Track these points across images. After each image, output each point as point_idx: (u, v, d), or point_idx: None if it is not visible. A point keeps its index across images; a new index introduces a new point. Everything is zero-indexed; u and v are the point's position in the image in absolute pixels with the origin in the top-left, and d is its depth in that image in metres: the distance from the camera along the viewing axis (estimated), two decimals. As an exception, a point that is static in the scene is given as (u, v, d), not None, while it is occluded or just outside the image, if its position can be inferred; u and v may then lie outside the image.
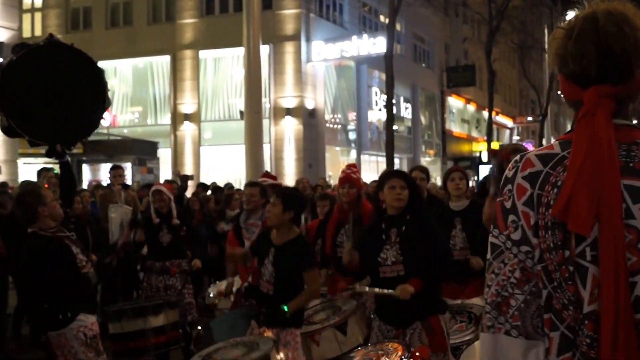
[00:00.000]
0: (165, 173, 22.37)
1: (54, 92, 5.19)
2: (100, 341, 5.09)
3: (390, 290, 4.48)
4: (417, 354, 3.86)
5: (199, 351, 5.42)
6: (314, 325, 5.30)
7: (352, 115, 29.97)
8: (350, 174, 6.25)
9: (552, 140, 2.27)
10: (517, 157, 1.93)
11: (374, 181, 9.86)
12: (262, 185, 7.09)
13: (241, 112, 24.49)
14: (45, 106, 5.18)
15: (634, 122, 1.91)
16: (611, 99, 1.81)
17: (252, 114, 21.94)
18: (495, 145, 37.37)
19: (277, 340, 4.68)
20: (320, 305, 5.64)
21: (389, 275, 4.67)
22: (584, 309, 1.74)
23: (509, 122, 47.26)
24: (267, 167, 23.53)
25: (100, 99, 5.08)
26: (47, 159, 21.02)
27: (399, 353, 3.84)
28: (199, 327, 6.62)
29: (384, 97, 25.74)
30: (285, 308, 4.91)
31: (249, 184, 7.20)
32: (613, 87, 1.81)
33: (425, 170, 7.27)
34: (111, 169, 9.84)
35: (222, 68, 27.10)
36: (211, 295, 7.55)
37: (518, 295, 1.85)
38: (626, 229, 1.71)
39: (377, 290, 4.59)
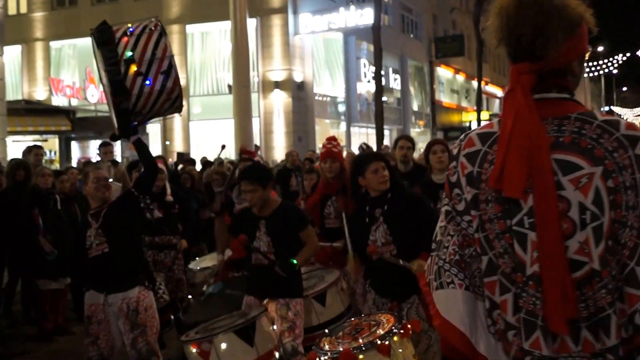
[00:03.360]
0: (154, 149, 22.32)
1: (103, 77, 5.06)
2: (94, 325, 5.16)
3: (409, 264, 4.41)
4: (409, 326, 3.87)
5: (193, 320, 5.52)
6: None
7: (341, 88, 29.88)
8: (331, 149, 6.33)
9: None
10: (462, 136, 2.10)
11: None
12: (256, 160, 7.11)
13: (229, 87, 24.31)
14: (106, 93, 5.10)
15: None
16: (530, 76, 1.94)
17: (241, 88, 21.85)
18: (485, 115, 37.39)
19: (266, 309, 4.65)
20: (305, 275, 5.66)
21: (382, 257, 4.67)
22: (527, 271, 1.90)
23: (498, 92, 47.20)
24: (257, 140, 23.50)
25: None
26: (35, 137, 21.03)
27: (390, 324, 3.86)
28: (190, 297, 6.56)
29: (373, 68, 25.70)
30: (294, 261, 4.98)
31: (244, 159, 7.15)
32: (532, 64, 1.94)
33: (411, 140, 7.27)
34: (100, 146, 9.76)
35: (210, 42, 26.99)
36: (194, 269, 7.51)
37: (465, 257, 2.08)
38: (558, 200, 1.86)
39: (400, 262, 4.47)
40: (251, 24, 23.93)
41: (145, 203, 5.63)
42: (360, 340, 3.75)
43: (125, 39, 4.72)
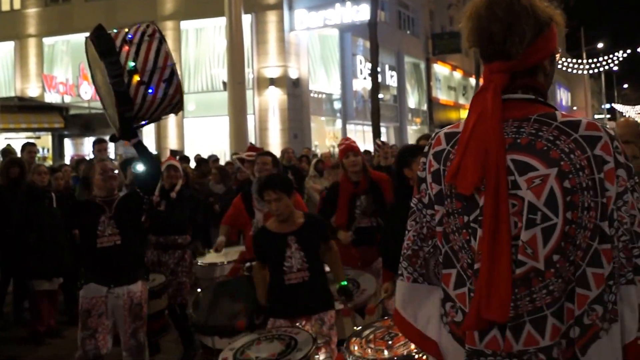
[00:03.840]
0: (148, 146, 22.13)
1: (99, 81, 5.04)
2: (94, 318, 5.25)
3: None
4: None
5: (203, 317, 5.50)
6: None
7: (336, 84, 29.70)
8: (351, 143, 6.30)
9: None
10: (433, 135, 2.20)
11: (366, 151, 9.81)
12: (273, 154, 7.01)
13: (224, 83, 24.21)
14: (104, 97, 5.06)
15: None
16: (502, 75, 2.00)
17: (236, 85, 21.71)
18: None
19: (315, 338, 4.39)
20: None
21: None
22: (475, 265, 1.97)
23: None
24: (252, 138, 23.35)
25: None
26: (28, 134, 20.84)
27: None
28: (199, 290, 6.36)
29: (369, 65, 25.48)
30: (344, 283, 4.92)
31: (261, 153, 6.97)
32: (502, 64, 2.00)
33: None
34: (95, 143, 9.71)
35: (204, 39, 26.78)
36: (199, 263, 7.33)
37: (425, 248, 2.18)
38: (514, 199, 1.91)
39: None
40: (246, 20, 23.72)
41: (147, 203, 5.61)
42: (396, 351, 3.57)
43: (127, 47, 4.70)
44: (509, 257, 1.88)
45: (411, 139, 32.53)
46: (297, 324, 4.71)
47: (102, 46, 4.69)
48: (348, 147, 6.19)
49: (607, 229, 1.90)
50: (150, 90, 4.71)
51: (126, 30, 4.84)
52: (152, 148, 21.45)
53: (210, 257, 7.43)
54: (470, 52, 39.94)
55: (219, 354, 4.35)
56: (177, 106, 4.96)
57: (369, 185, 6.06)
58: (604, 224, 1.90)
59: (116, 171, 5.61)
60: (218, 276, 6.96)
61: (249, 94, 23.27)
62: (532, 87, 2.04)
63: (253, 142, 23.13)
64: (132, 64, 4.65)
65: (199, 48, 26.73)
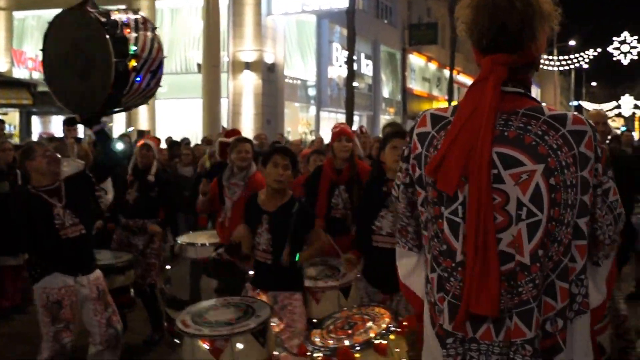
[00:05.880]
0: (119, 127, 21.78)
1: (78, 60, 4.91)
2: (67, 309, 4.97)
3: None
4: (405, 323, 3.74)
5: (177, 291, 5.49)
6: (316, 281, 5.16)
7: (312, 71, 29.54)
8: (345, 128, 6.15)
9: None
10: (421, 113, 2.21)
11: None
12: (251, 140, 6.84)
13: (199, 65, 23.95)
14: (71, 74, 4.94)
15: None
16: (504, 67, 2.01)
17: (210, 68, 21.52)
18: (455, 104, 37.28)
19: (272, 307, 4.41)
20: (318, 262, 5.48)
21: (382, 246, 4.51)
22: (456, 258, 2.00)
23: (470, 82, 47.09)
24: (224, 122, 23.11)
25: (106, 72, 4.75)
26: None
27: (387, 320, 3.77)
28: (168, 267, 6.44)
29: (345, 53, 25.38)
30: (297, 257, 4.75)
31: (242, 139, 6.75)
32: (507, 57, 2.02)
33: (399, 127, 7.15)
34: (64, 122, 9.43)
35: (180, 19, 26.34)
36: (180, 241, 7.06)
37: (413, 223, 2.29)
38: (496, 193, 1.93)
39: None
40: (223, 2, 23.46)
41: (98, 189, 5.42)
42: (357, 338, 3.65)
43: (128, 30, 4.70)
44: (497, 253, 1.92)
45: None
46: (259, 296, 4.77)
47: (109, 22, 4.65)
48: (343, 131, 6.04)
49: (583, 226, 1.97)
50: (138, 79, 4.71)
51: (117, 12, 4.82)
52: (122, 129, 21.08)
53: (190, 237, 7.33)
54: (446, 44, 40.04)
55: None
56: (148, 99, 5.00)
57: (351, 177, 5.92)
58: (580, 220, 1.96)
59: (59, 155, 5.31)
60: (195, 257, 6.77)
61: (223, 77, 23.07)
62: (521, 81, 2.07)
63: (225, 126, 22.90)
64: (134, 48, 4.66)
65: (174, 29, 26.29)
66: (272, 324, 4.52)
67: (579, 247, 1.98)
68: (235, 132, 8.26)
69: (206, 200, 6.53)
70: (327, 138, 12.66)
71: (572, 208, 1.93)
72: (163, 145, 14.62)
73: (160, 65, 4.85)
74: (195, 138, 20.02)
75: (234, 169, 6.32)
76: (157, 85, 4.95)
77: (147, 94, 4.94)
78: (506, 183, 1.92)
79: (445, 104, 38.48)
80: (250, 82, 24.84)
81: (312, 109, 30.06)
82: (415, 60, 40.92)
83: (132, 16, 4.85)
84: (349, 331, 3.77)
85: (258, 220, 4.77)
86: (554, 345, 1.97)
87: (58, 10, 5.16)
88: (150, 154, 7.02)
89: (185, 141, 15.71)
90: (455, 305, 2.01)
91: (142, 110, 25.12)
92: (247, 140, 6.74)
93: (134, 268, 6.48)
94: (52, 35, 5.03)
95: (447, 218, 2.01)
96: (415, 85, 41.30)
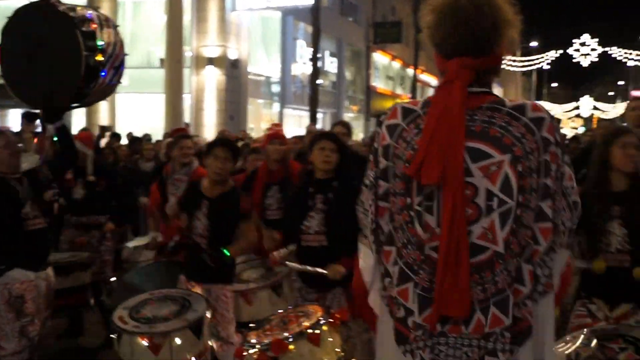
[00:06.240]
0: (78, 121, 21.40)
1: (43, 55, 4.84)
2: (30, 302, 4.88)
3: (321, 270, 4.42)
4: (337, 315, 3.87)
5: (117, 303, 5.30)
6: (248, 284, 5.25)
7: (276, 68, 29.37)
8: (279, 131, 6.44)
9: None
10: (392, 105, 2.27)
11: (297, 137, 9.85)
12: (192, 137, 7.11)
13: (161, 60, 23.65)
14: (35, 69, 4.87)
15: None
16: (470, 70, 2.07)
17: (173, 63, 21.27)
18: (425, 99, 37.46)
19: (207, 300, 4.54)
20: (248, 264, 5.59)
21: (311, 244, 4.59)
22: (425, 250, 2.04)
23: (433, 80, 47.34)
24: (187, 118, 22.89)
25: (76, 66, 4.70)
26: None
27: (319, 314, 3.86)
28: (113, 279, 6.52)
29: (310, 50, 25.27)
30: (227, 252, 4.89)
31: (184, 136, 6.97)
32: (473, 60, 2.07)
33: (347, 126, 7.28)
34: (23, 116, 9.25)
35: (142, 13, 25.93)
36: (130, 246, 7.34)
37: (381, 224, 2.24)
38: (465, 186, 1.99)
39: (308, 268, 4.50)
40: (187, -4, 23.16)
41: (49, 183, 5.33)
42: (290, 331, 3.73)
43: (94, 25, 4.71)
44: (468, 251, 1.97)
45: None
46: (193, 288, 4.90)
47: (77, 16, 4.64)
48: (275, 134, 6.30)
49: (546, 208, 2.05)
50: (103, 74, 4.74)
51: (80, 8, 4.81)
52: (81, 124, 20.71)
53: (139, 241, 7.43)
54: (410, 42, 40.19)
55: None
56: (107, 95, 5.07)
57: (283, 177, 6.13)
58: (544, 203, 2.04)
59: (21, 145, 5.24)
60: (144, 260, 6.91)
61: (186, 72, 22.81)
62: (486, 83, 2.14)
63: (188, 122, 22.66)
64: (100, 42, 4.68)
65: (136, 22, 25.89)
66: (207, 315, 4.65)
67: (542, 229, 2.05)
68: (179, 130, 8.50)
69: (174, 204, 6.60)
70: (288, 136, 12.60)
71: (536, 192, 2.01)
72: (124, 141, 14.47)
73: (122, 62, 4.89)
74: (157, 134, 19.77)
75: (176, 166, 6.49)
76: (118, 82, 5.01)
77: (107, 90, 4.95)
78: (475, 176, 1.98)
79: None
80: (213, 77, 24.60)
81: (276, 106, 29.93)
82: (380, 58, 41.00)
83: (94, 12, 4.86)
84: (284, 327, 3.86)
85: (197, 205, 4.97)
86: (524, 329, 2.03)
87: (16, 2, 5.03)
88: (82, 153, 6.86)
89: (147, 137, 15.50)
90: (425, 298, 2.03)
91: (103, 105, 24.73)
92: (188, 136, 7.03)
93: (91, 266, 6.43)
94: (12, 29, 4.90)
95: (416, 210, 2.06)
96: (379, 84, 41.37)
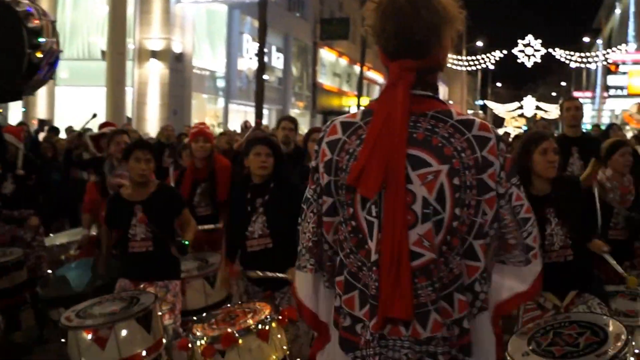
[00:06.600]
0: (15, 114, 20.69)
1: None
2: None
3: (282, 275, 4.48)
4: (286, 313, 3.94)
5: (51, 294, 5.48)
6: (182, 274, 5.29)
7: (221, 62, 29.11)
8: (204, 129, 6.51)
9: None
10: (328, 122, 2.25)
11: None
12: (127, 132, 6.99)
13: (103, 52, 23.05)
14: None
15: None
16: (412, 72, 2.06)
17: (115, 55, 20.75)
18: (365, 100, 37.65)
19: (157, 296, 4.56)
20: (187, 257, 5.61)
21: (257, 249, 4.65)
22: (372, 257, 2.04)
23: (379, 78, 47.61)
24: (129, 112, 22.41)
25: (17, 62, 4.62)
26: None
27: (267, 312, 3.90)
28: (49, 271, 6.35)
29: (256, 45, 25.08)
30: (186, 242, 4.97)
31: (118, 132, 6.91)
32: (414, 62, 2.06)
33: (294, 121, 7.37)
34: None
35: (83, 3, 25.22)
36: (56, 243, 7.20)
37: (327, 238, 2.25)
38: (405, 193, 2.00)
39: (268, 274, 4.55)
40: (129, -14, 22.57)
41: None
42: (239, 325, 3.77)
43: (37, 21, 4.65)
44: (409, 254, 1.98)
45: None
46: (141, 287, 4.92)
47: (21, 10, 4.57)
48: (200, 132, 6.36)
49: (485, 226, 2.08)
50: (39, 71, 4.73)
51: (20, 2, 4.71)
52: (18, 117, 20.02)
53: (58, 238, 7.40)
54: (357, 39, 40.26)
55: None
56: (36, 89, 5.02)
57: (209, 174, 6.26)
58: (482, 220, 2.07)
59: None
60: (65, 257, 6.77)
61: (128, 65, 22.28)
62: (430, 84, 2.13)
63: (130, 115, 22.14)
64: (41, 39, 4.65)
65: (77, 12, 25.17)
66: (162, 312, 4.68)
67: (481, 245, 2.09)
68: (108, 124, 8.47)
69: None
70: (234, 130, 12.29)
71: (470, 208, 2.04)
72: (63, 135, 13.98)
73: (57, 59, 4.82)
74: (97, 128, 19.23)
75: (114, 161, 6.36)
76: (50, 78, 4.98)
77: (37, 86, 4.88)
78: (414, 183, 2.00)
79: (354, 100, 38.73)
80: (156, 71, 24.17)
81: (221, 101, 29.66)
82: (326, 55, 41.02)
83: (33, 5, 4.74)
84: (231, 322, 3.89)
85: (130, 213, 4.94)
86: (470, 342, 2.08)
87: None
88: (12, 148, 6.79)
89: (87, 131, 14.99)
90: (373, 305, 2.04)
91: (41, 99, 24.01)
92: (123, 131, 6.95)
93: (26, 262, 6.42)
94: None
95: (359, 218, 2.08)
96: (326, 80, 41.42)
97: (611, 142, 5.41)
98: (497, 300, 2.19)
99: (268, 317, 3.82)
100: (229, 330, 3.70)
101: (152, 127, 21.90)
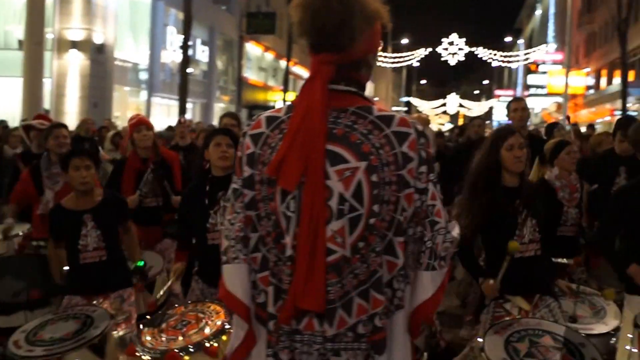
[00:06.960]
0: None
1: None
2: None
3: None
4: None
5: None
6: None
7: (144, 54, 28.61)
8: (143, 118, 6.39)
9: None
10: (255, 117, 2.24)
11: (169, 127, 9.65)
12: (66, 126, 6.71)
13: (20, 42, 22.31)
14: None
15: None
16: (330, 66, 2.06)
17: (32, 45, 20.13)
18: (290, 95, 37.67)
19: (113, 315, 4.40)
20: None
21: (218, 242, 4.42)
22: (287, 252, 2.05)
23: (306, 73, 47.70)
24: (47, 104, 21.76)
25: None
26: None
27: (222, 318, 3.78)
28: None
29: (180, 37, 24.81)
30: (141, 263, 4.94)
31: (57, 125, 6.56)
32: (330, 56, 2.06)
33: (236, 117, 7.22)
34: None
35: (-1, -11, 24.42)
36: None
37: (252, 227, 2.19)
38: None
39: None
40: (48, -26, 21.90)
41: None
42: (188, 339, 3.64)
43: None
44: (325, 249, 1.98)
45: (217, 117, 32.14)
46: (94, 302, 4.65)
47: None
48: (140, 121, 6.23)
49: (404, 223, 2.07)
50: None
51: None
52: None
53: None
54: (283, 34, 40.22)
55: (9, 336, 4.16)
56: None
57: (157, 163, 6.09)
58: (401, 217, 2.06)
59: None
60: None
61: (47, 55, 21.65)
62: (355, 80, 2.13)
63: (48, 108, 21.50)
64: None
65: (-7, -1, 24.34)
66: (117, 322, 4.55)
67: (400, 243, 2.08)
68: (42, 116, 8.13)
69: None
70: (157, 125, 12.07)
71: (390, 204, 2.03)
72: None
73: None
74: (13, 120, 18.60)
75: (52, 157, 6.12)
76: None
77: None
78: (331, 179, 2.00)
79: (280, 95, 38.70)
80: (76, 62, 23.49)
81: (144, 94, 29.15)
82: (252, 49, 40.91)
83: None
84: (182, 330, 3.76)
85: (78, 223, 4.74)
86: (382, 339, 2.07)
87: None
88: None
89: (2, 124, 14.59)
90: (285, 300, 2.06)
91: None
92: (62, 125, 6.62)
93: None
94: None
95: (279, 212, 2.07)
96: (251, 75, 41.31)
97: (556, 142, 5.65)
98: (414, 304, 2.16)
99: (221, 327, 3.69)
100: (174, 349, 3.56)
101: (71, 120, 21.29)
